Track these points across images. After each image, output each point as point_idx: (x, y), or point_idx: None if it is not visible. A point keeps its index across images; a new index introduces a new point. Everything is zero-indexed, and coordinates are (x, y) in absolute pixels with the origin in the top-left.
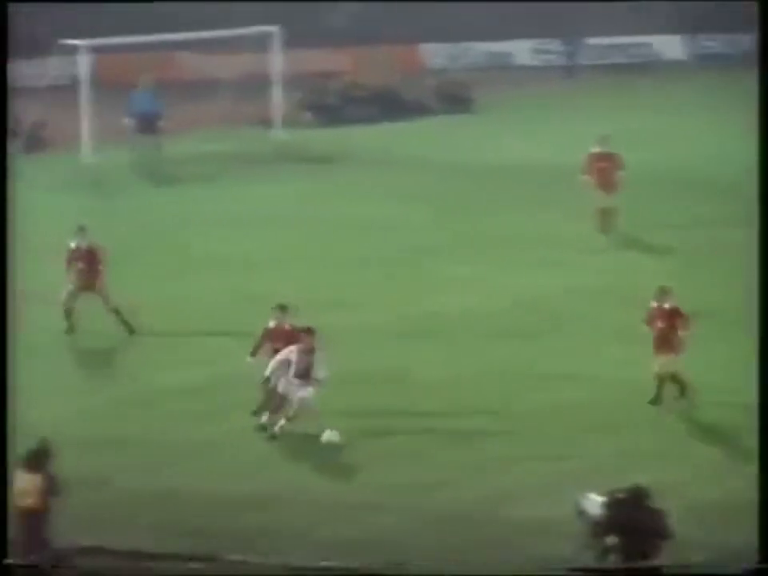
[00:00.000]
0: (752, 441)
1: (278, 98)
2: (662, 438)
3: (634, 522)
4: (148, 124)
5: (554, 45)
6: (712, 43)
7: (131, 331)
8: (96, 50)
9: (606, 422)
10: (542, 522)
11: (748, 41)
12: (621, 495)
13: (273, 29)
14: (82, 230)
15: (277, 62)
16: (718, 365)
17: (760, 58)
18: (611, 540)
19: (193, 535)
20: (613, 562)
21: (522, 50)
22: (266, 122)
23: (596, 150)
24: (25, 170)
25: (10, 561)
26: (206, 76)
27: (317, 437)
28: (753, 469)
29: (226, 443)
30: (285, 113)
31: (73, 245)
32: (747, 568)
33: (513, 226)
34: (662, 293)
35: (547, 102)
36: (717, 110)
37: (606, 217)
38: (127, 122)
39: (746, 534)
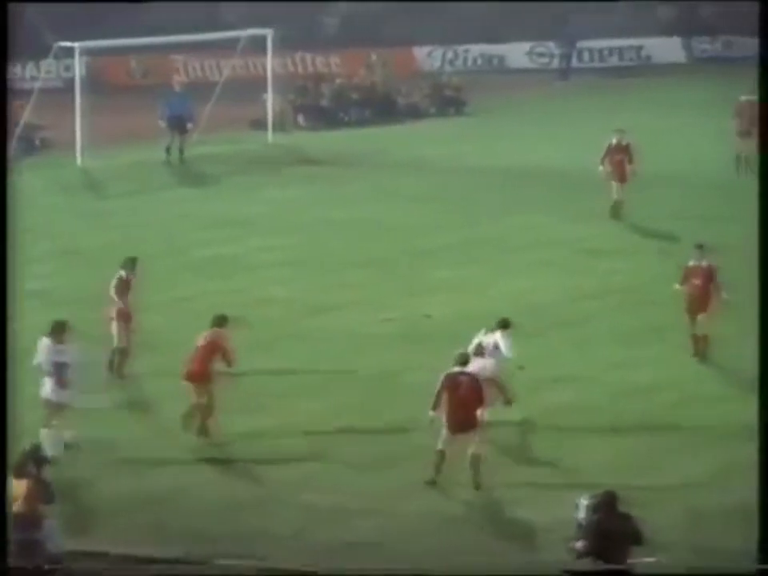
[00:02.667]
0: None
1: (270, 101)
2: (658, 441)
3: (604, 525)
4: (179, 125)
5: (549, 47)
6: (709, 46)
7: (119, 375)
8: (91, 52)
9: (602, 425)
10: (539, 525)
11: (748, 44)
12: (594, 500)
13: (266, 31)
14: (133, 261)
15: (270, 64)
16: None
17: (760, 58)
18: (581, 543)
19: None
20: (584, 564)
21: (517, 53)
22: (258, 125)
23: (613, 141)
24: (19, 173)
25: (10, 564)
26: (199, 79)
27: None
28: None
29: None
30: (277, 116)
31: (123, 274)
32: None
33: (508, 228)
34: None
35: (542, 104)
36: (712, 112)
37: (617, 208)
38: (160, 123)
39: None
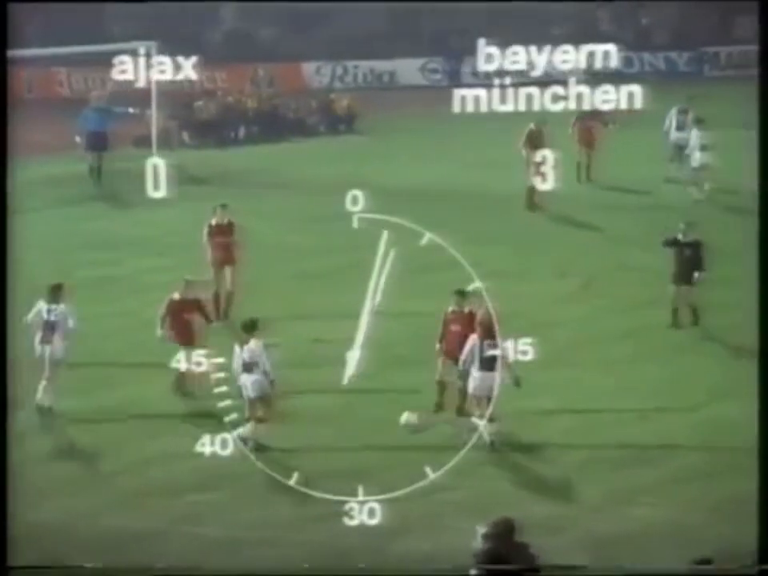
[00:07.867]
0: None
1: (155, 117)
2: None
3: (496, 554)
4: (97, 142)
5: (442, 63)
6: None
7: (224, 317)
8: None
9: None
10: None
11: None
12: (489, 528)
13: (149, 44)
14: (224, 207)
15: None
16: None
17: (760, 59)
18: (474, 572)
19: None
20: None
21: (408, 69)
22: (142, 143)
23: (532, 127)
24: None
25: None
26: (83, 93)
27: None
28: None
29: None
30: (162, 133)
31: (213, 221)
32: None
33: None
34: None
35: (436, 122)
36: None
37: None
38: (77, 139)
39: None
